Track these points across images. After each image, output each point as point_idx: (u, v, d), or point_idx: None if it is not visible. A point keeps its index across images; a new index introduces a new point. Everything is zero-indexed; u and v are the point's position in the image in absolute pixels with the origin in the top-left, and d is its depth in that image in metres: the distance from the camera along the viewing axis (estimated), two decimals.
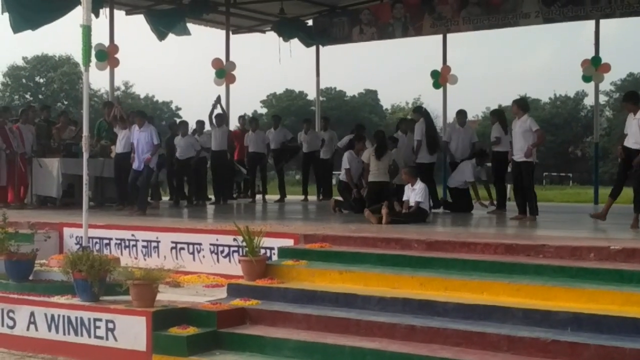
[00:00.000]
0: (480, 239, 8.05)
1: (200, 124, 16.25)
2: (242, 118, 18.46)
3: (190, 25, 17.95)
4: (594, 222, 10.44)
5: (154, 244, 9.77)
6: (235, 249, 8.95)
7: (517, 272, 7.07)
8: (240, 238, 8.29)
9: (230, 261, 9.09)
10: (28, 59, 57.41)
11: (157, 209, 14.31)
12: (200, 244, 9.42)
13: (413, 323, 6.45)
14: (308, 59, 21.33)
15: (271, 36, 20.04)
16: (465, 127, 14.17)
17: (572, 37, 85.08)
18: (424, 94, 59.20)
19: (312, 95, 48.00)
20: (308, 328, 6.82)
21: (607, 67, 16.79)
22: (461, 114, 14.26)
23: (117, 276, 7.49)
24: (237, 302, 7.33)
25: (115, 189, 14.20)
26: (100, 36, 14.81)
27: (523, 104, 11.50)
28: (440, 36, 18.50)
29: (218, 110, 16.40)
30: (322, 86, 25.47)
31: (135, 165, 12.78)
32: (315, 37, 20.01)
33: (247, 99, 49.13)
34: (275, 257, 8.47)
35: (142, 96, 60.90)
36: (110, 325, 7.08)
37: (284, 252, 8.46)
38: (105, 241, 10.12)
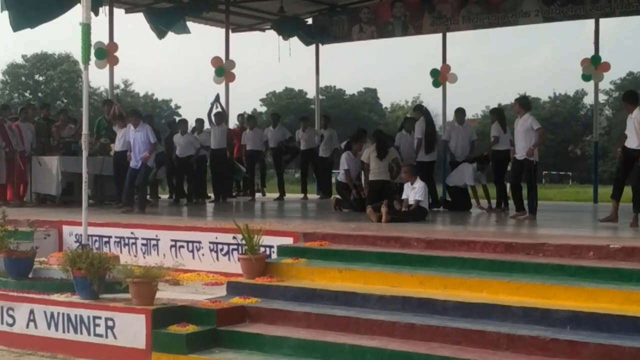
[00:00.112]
0: (479, 238, 8.06)
1: (200, 122, 16.26)
2: (241, 116, 18.47)
3: (189, 24, 17.93)
4: (594, 221, 10.45)
5: (153, 242, 9.78)
6: (235, 247, 8.95)
7: (517, 270, 7.07)
8: (239, 236, 8.29)
9: (229, 259, 9.10)
10: (27, 57, 57.36)
11: (156, 207, 14.31)
12: (199, 242, 9.43)
13: (413, 321, 6.46)
14: (308, 57, 21.37)
15: (271, 34, 20.05)
16: (464, 125, 14.17)
17: (572, 36, 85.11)
18: (424, 92, 59.15)
19: (311, 93, 48.04)
20: (307, 326, 6.82)
21: (606, 66, 16.80)
22: (460, 112, 14.26)
23: (117, 274, 7.48)
24: (237, 300, 7.33)
25: (114, 187, 14.20)
26: (99, 34, 14.82)
27: (525, 103, 11.49)
28: (440, 35, 18.50)
29: (217, 109, 16.41)
30: (322, 85, 25.51)
31: (132, 164, 12.77)
32: (314, 36, 20.01)
33: (246, 98, 49.15)
34: (274, 256, 8.47)
35: (141, 94, 60.87)
36: (110, 323, 7.08)
37: (283, 251, 8.46)
38: (105, 239, 10.12)
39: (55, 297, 7.63)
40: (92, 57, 9.65)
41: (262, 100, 62.73)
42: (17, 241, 8.55)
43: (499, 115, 13.10)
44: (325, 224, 10.06)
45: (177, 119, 20.36)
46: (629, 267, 6.75)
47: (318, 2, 19.43)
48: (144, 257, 9.50)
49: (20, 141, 14.21)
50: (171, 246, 9.63)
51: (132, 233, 9.97)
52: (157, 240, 9.75)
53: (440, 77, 18.56)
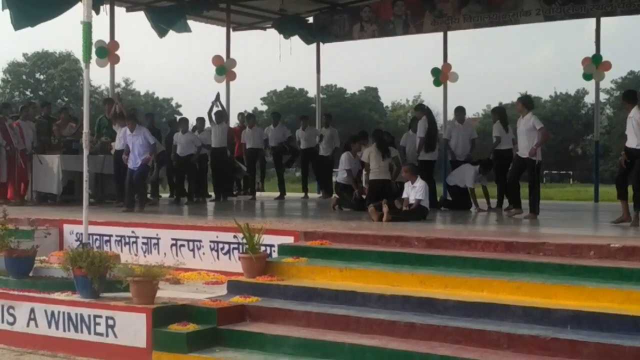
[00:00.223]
0: (480, 237, 8.06)
1: (201, 121, 16.25)
2: (241, 115, 18.46)
3: (190, 22, 17.92)
4: (594, 220, 10.44)
5: (154, 241, 9.78)
6: (235, 246, 8.94)
7: (517, 269, 7.07)
8: (240, 235, 8.29)
9: (230, 258, 9.10)
10: (28, 55, 57.38)
11: (157, 205, 14.31)
12: (200, 241, 9.43)
13: (413, 320, 6.46)
14: (308, 56, 21.36)
15: (272, 33, 20.05)
16: (464, 124, 14.16)
17: (573, 35, 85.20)
18: (425, 91, 59.07)
19: (312, 92, 47.86)
20: (308, 325, 6.82)
21: (607, 65, 16.79)
22: (460, 110, 14.24)
23: (117, 273, 7.49)
24: (237, 299, 7.34)
25: (115, 186, 14.20)
26: (100, 33, 14.85)
27: (527, 102, 11.42)
28: (441, 34, 18.48)
29: (218, 108, 16.41)
30: (323, 83, 25.47)
31: (130, 165, 12.75)
32: (315, 35, 20.01)
33: (247, 96, 49.26)
34: (275, 255, 8.48)
35: (142, 93, 60.89)
36: (110, 322, 7.09)
37: (284, 250, 8.46)
38: (106, 238, 10.12)
39: (56, 295, 7.64)
40: (93, 56, 9.64)
41: (262, 99, 62.79)
42: (18, 240, 8.55)
43: (501, 114, 13.08)
44: (326, 223, 10.06)
45: (178, 117, 20.33)
46: (630, 267, 6.75)
47: (319, 0, 19.42)
48: (145, 256, 9.50)
49: (21, 140, 14.21)
50: (172, 245, 9.63)
51: (132, 232, 9.97)
52: (158, 239, 9.75)
53: (441, 76, 18.55)
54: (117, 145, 13.80)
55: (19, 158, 14.12)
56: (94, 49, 10.08)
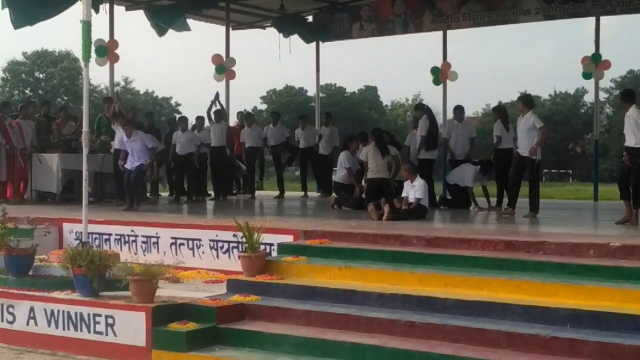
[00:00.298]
0: (480, 236, 8.06)
1: (200, 119, 16.24)
2: (240, 114, 18.46)
3: (190, 21, 17.90)
4: (593, 219, 10.44)
5: (153, 240, 9.78)
6: (235, 244, 8.95)
7: (517, 268, 7.08)
8: (239, 234, 8.29)
9: (229, 257, 9.10)
10: (28, 54, 57.34)
11: (156, 204, 14.30)
12: (199, 240, 9.43)
13: (413, 319, 6.47)
14: (308, 55, 21.33)
15: (271, 32, 20.02)
16: (463, 123, 14.15)
17: (573, 34, 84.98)
18: (424, 90, 59.01)
19: (312, 91, 48.05)
20: (307, 324, 6.82)
21: (607, 64, 16.77)
22: (458, 109, 14.24)
23: (117, 272, 7.49)
24: (237, 298, 7.34)
25: (114, 185, 14.19)
26: (100, 32, 14.82)
27: (528, 101, 11.41)
28: (441, 33, 18.46)
29: (217, 107, 16.40)
30: (322, 82, 25.48)
31: (128, 166, 12.72)
32: (315, 34, 19.99)
33: (247, 95, 49.11)
34: (274, 253, 8.48)
35: (141, 92, 60.83)
36: (110, 321, 7.09)
37: (283, 248, 8.47)
38: (105, 237, 10.13)
39: (56, 294, 7.64)
40: (93, 55, 9.64)
41: (262, 98, 62.76)
42: (17, 239, 8.56)
43: (502, 113, 13.06)
44: (326, 221, 10.06)
45: (177, 116, 20.34)
46: (629, 265, 6.75)
47: None
48: (144, 255, 9.51)
49: (20, 138, 14.20)
50: (171, 244, 9.63)
51: (132, 231, 9.97)
52: (158, 237, 9.75)
53: (440, 74, 18.53)
54: (116, 144, 13.79)
55: (19, 157, 14.11)
56: (93, 48, 10.07)
